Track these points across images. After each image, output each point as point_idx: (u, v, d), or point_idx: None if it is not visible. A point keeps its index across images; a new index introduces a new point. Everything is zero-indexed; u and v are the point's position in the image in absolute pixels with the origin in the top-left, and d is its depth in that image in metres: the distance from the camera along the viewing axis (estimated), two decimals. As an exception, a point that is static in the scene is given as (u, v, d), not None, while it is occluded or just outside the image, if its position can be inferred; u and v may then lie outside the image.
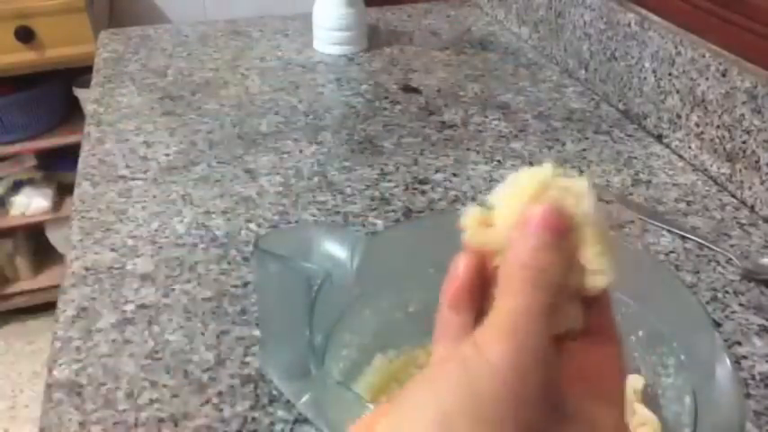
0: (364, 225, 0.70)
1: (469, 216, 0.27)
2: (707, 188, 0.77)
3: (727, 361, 0.36)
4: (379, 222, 0.70)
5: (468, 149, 0.84)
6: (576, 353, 0.25)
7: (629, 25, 0.88)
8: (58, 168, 1.80)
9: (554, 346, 0.23)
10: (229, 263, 0.64)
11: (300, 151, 0.83)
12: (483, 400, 0.22)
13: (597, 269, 0.25)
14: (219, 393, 0.51)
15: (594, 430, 0.24)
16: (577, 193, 0.26)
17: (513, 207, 0.26)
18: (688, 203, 0.74)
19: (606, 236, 0.25)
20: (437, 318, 0.27)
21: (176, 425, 0.49)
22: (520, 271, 0.24)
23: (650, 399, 0.44)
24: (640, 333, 0.45)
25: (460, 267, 0.26)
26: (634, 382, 0.44)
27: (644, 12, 0.88)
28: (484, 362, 0.22)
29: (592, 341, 0.26)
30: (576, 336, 0.25)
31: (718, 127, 0.76)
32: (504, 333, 0.23)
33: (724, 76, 0.74)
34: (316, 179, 0.77)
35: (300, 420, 0.49)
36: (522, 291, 0.23)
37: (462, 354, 0.23)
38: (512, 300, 0.23)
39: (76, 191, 0.75)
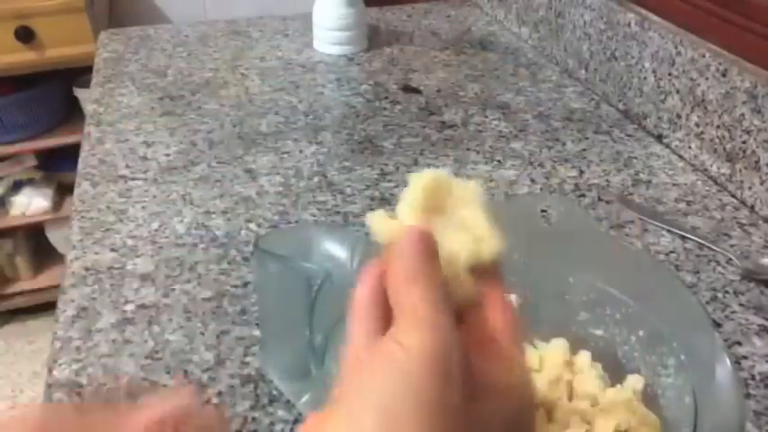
0: (364, 225, 0.70)
1: (375, 218, 0.32)
2: (707, 188, 0.77)
3: (728, 361, 0.36)
4: (379, 222, 0.70)
5: (468, 149, 0.84)
6: (474, 322, 0.29)
7: (629, 25, 0.88)
8: (58, 168, 1.80)
9: (456, 322, 0.27)
10: (229, 263, 0.64)
11: (300, 151, 0.83)
12: (416, 386, 0.24)
13: (488, 238, 0.31)
14: (219, 393, 0.51)
15: (500, 391, 0.27)
16: (460, 189, 0.32)
17: (408, 208, 0.31)
18: (688, 203, 0.74)
19: (485, 215, 0.32)
20: (347, 333, 0.29)
21: (176, 425, 0.48)
22: (405, 278, 0.27)
23: (650, 399, 0.44)
24: (640, 333, 0.45)
25: (362, 282, 0.29)
26: (634, 383, 0.44)
27: (644, 12, 0.88)
28: (408, 352, 0.25)
29: (487, 308, 0.30)
30: (473, 306, 0.30)
31: (718, 127, 0.76)
32: (416, 324, 0.26)
33: (724, 76, 0.74)
34: (316, 179, 0.77)
35: (300, 420, 0.49)
36: (413, 289, 0.27)
37: (385, 352, 0.25)
38: (408, 299, 0.27)
39: (76, 191, 0.75)
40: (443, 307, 0.27)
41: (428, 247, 0.28)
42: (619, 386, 0.44)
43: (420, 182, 0.32)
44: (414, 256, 0.28)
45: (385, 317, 0.28)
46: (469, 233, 0.31)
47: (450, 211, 0.32)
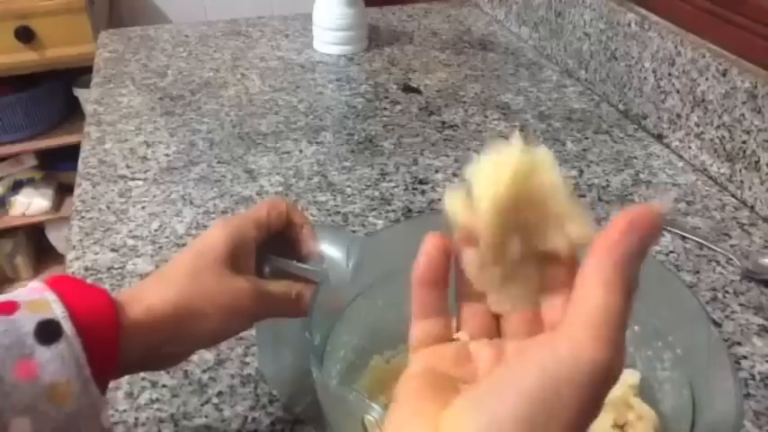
0: (364, 225, 0.70)
1: (452, 198, 0.27)
2: (707, 188, 0.77)
3: (725, 354, 0.36)
4: (380, 222, 0.70)
5: (468, 149, 0.84)
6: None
7: (629, 25, 0.88)
8: (58, 168, 1.80)
9: None
10: (229, 263, 0.64)
11: (300, 151, 0.83)
12: (578, 398, 0.21)
13: (581, 224, 0.26)
14: (219, 393, 0.51)
15: None
16: (544, 164, 0.27)
17: (491, 191, 0.26)
18: (688, 203, 0.74)
19: (573, 195, 0.27)
20: (413, 298, 0.27)
21: (176, 425, 0.48)
22: (611, 268, 0.22)
23: (647, 393, 0.44)
24: (636, 328, 0.45)
25: (431, 244, 0.27)
26: (630, 377, 0.44)
27: (644, 12, 0.88)
28: (583, 362, 0.21)
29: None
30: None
31: (718, 127, 0.76)
32: (604, 332, 0.21)
33: (724, 76, 0.73)
34: (316, 179, 0.77)
35: (300, 420, 0.49)
36: (613, 288, 0.22)
37: (556, 350, 0.21)
38: (603, 298, 0.22)
39: (76, 191, 0.75)
40: (628, 317, 0.22)
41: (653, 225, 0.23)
42: None
43: (499, 163, 0.26)
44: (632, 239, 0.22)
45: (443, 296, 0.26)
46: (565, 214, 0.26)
47: (536, 198, 0.27)
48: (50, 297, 0.35)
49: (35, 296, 0.35)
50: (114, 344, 0.35)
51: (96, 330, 0.35)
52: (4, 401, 0.31)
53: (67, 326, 0.34)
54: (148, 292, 0.39)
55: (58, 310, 0.34)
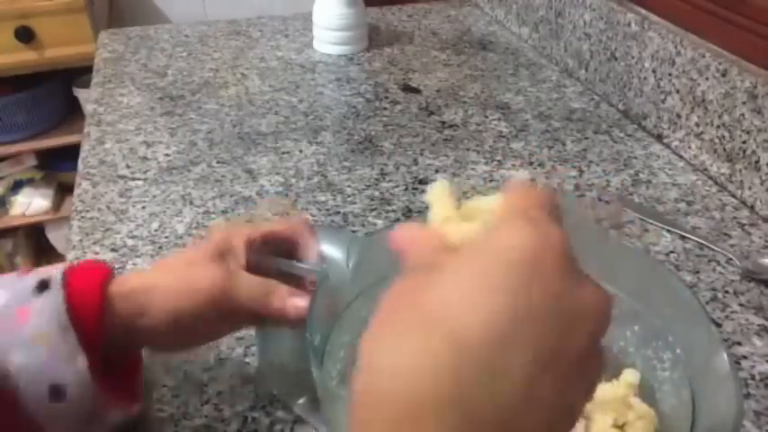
0: (364, 225, 0.70)
1: (437, 188, 0.31)
2: (707, 188, 0.77)
3: (724, 354, 0.36)
4: (379, 222, 0.70)
5: (468, 149, 0.84)
6: None
7: (629, 25, 0.88)
8: (58, 168, 1.80)
9: None
10: (229, 263, 0.64)
11: (300, 151, 0.83)
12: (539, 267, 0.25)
13: None
14: (219, 393, 0.51)
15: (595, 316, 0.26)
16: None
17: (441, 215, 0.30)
18: (688, 203, 0.74)
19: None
20: (403, 234, 0.29)
21: (176, 425, 0.48)
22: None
23: (647, 393, 0.44)
24: (636, 328, 0.45)
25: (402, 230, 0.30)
26: (630, 377, 0.44)
27: (644, 12, 0.88)
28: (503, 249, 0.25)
29: None
30: None
31: (718, 127, 0.76)
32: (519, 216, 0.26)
33: (724, 76, 0.73)
34: (316, 179, 0.77)
35: (300, 420, 0.49)
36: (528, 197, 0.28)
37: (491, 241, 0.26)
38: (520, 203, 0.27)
39: (76, 191, 0.75)
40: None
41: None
42: (615, 381, 0.45)
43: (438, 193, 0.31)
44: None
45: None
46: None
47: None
48: (61, 266, 0.42)
49: (56, 268, 0.42)
50: (97, 305, 0.40)
51: (84, 292, 0.40)
52: (8, 338, 0.38)
53: (57, 281, 0.40)
54: (137, 272, 0.45)
55: (56, 272, 0.41)
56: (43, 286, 0.40)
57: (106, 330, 0.40)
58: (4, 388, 0.37)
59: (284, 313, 0.43)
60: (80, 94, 1.69)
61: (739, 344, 0.56)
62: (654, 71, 0.85)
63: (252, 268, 0.44)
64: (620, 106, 0.93)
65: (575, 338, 0.25)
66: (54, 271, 0.41)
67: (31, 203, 1.75)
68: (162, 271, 0.44)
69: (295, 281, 0.45)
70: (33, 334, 0.38)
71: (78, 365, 0.38)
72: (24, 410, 0.37)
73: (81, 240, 0.67)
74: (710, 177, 0.78)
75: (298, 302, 0.42)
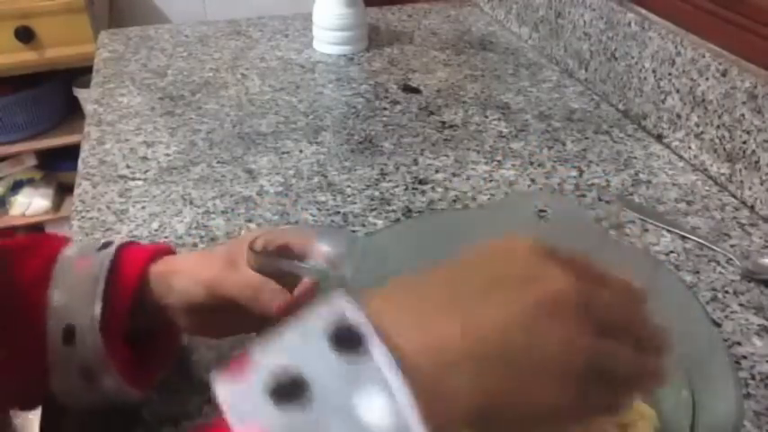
0: (364, 225, 0.70)
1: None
2: (707, 188, 0.77)
3: (725, 353, 0.36)
4: (379, 222, 0.70)
5: (468, 149, 0.84)
6: None
7: (629, 25, 0.88)
8: (58, 168, 1.80)
9: None
10: (229, 263, 0.64)
11: (300, 151, 0.83)
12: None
13: None
14: (219, 393, 0.51)
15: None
16: None
17: None
18: (688, 203, 0.74)
19: None
20: None
21: (176, 425, 0.48)
22: None
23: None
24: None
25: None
26: None
27: (644, 12, 0.88)
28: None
29: None
30: None
31: (718, 127, 0.76)
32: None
33: (724, 76, 0.74)
34: (316, 179, 0.77)
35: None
36: None
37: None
38: None
39: (76, 191, 0.75)
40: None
41: None
42: None
43: None
44: None
45: None
46: None
47: None
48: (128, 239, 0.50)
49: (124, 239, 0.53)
50: (135, 277, 0.45)
51: (133, 261, 0.46)
52: (60, 278, 0.44)
53: (115, 245, 0.46)
54: (182, 256, 0.50)
55: (119, 239, 0.49)
56: (105, 246, 0.46)
57: (138, 302, 0.44)
58: (40, 319, 0.42)
59: (268, 311, 0.44)
60: (80, 94, 1.69)
61: (739, 344, 0.56)
62: (654, 71, 0.85)
63: (257, 268, 0.45)
64: (620, 106, 0.93)
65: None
66: (120, 239, 0.48)
67: (31, 203, 1.75)
68: (193, 258, 0.48)
69: (299, 281, 0.46)
70: (76, 279, 0.43)
71: (94, 311, 0.42)
72: (43, 346, 0.42)
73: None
74: (710, 177, 0.78)
75: (281, 302, 0.44)
